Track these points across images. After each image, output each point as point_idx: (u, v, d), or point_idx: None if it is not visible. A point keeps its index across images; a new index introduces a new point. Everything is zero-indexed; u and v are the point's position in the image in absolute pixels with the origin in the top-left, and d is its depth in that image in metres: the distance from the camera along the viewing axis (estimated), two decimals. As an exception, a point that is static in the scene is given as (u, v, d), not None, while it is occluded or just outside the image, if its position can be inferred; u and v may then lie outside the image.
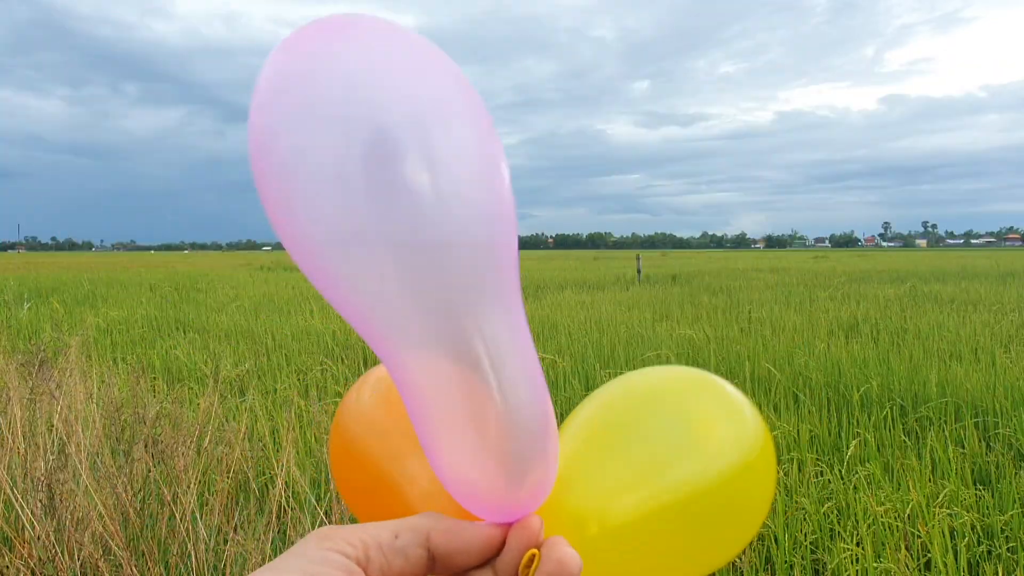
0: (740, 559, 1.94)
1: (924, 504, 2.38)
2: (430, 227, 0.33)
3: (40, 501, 1.91)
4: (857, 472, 2.76)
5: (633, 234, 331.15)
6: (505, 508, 0.37)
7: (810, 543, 2.25)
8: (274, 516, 1.98)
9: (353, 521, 0.50)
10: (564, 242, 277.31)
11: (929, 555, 2.17)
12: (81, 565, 1.83)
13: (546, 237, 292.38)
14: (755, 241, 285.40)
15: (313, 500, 2.13)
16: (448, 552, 0.35)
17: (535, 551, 0.36)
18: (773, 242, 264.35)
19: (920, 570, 2.14)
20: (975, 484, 2.74)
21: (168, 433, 2.48)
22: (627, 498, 0.41)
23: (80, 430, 2.32)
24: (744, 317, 7.30)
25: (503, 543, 0.37)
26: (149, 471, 2.19)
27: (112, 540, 1.85)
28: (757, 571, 1.92)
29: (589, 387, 4.24)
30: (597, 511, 0.41)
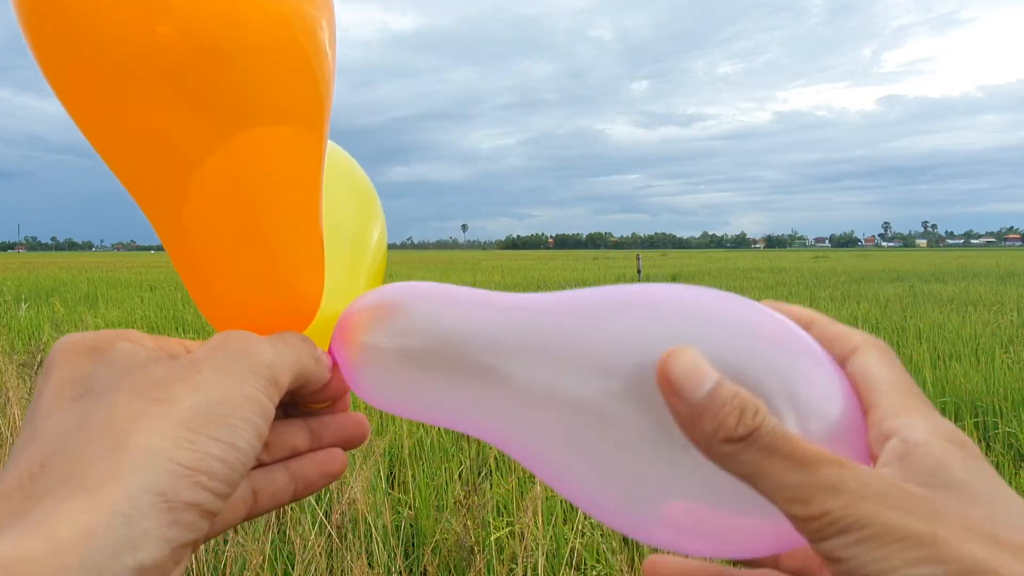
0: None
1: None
2: None
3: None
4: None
5: (633, 234, 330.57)
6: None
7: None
8: (274, 516, 1.98)
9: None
10: (564, 242, 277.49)
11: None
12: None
13: (546, 237, 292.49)
14: (755, 241, 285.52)
15: (313, 500, 2.13)
16: (303, 392, 0.34)
17: (330, 402, 0.37)
18: (773, 242, 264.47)
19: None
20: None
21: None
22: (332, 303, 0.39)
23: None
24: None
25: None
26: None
27: (112, 540, 1.85)
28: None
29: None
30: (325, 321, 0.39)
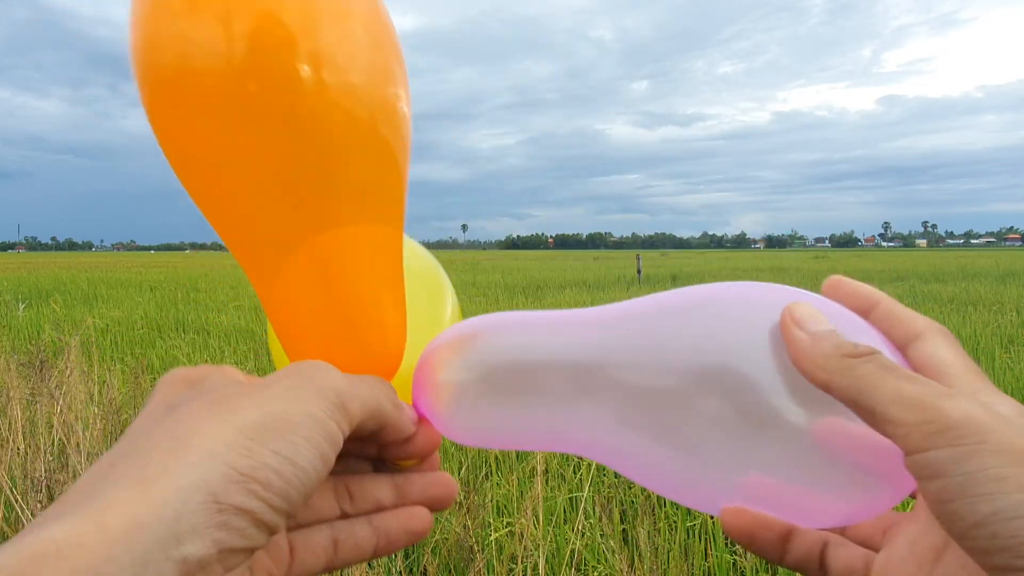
0: (741, 558, 1.95)
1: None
2: None
3: (40, 501, 1.90)
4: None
5: (633, 234, 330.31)
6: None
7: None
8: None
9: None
10: (564, 242, 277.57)
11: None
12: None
13: (546, 237, 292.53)
14: (755, 241, 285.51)
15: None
16: (380, 437, 0.34)
17: (417, 460, 0.37)
18: (773, 242, 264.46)
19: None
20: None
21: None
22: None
23: (80, 430, 2.32)
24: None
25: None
26: (149, 471, 2.19)
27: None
28: (757, 571, 1.92)
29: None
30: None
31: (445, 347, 0.36)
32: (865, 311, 0.31)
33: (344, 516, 0.35)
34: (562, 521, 2.11)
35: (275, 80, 0.30)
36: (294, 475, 0.26)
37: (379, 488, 0.36)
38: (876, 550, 0.32)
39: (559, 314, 0.36)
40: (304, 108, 0.31)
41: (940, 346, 0.28)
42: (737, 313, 0.31)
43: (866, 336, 0.29)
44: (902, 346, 0.29)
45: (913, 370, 0.28)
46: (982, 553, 0.21)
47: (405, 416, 0.34)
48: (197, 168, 0.33)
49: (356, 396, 0.30)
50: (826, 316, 0.29)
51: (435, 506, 0.37)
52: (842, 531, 0.33)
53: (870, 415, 0.25)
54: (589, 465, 2.44)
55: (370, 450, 0.36)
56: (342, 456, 0.35)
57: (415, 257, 0.50)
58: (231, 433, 0.25)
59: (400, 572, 1.91)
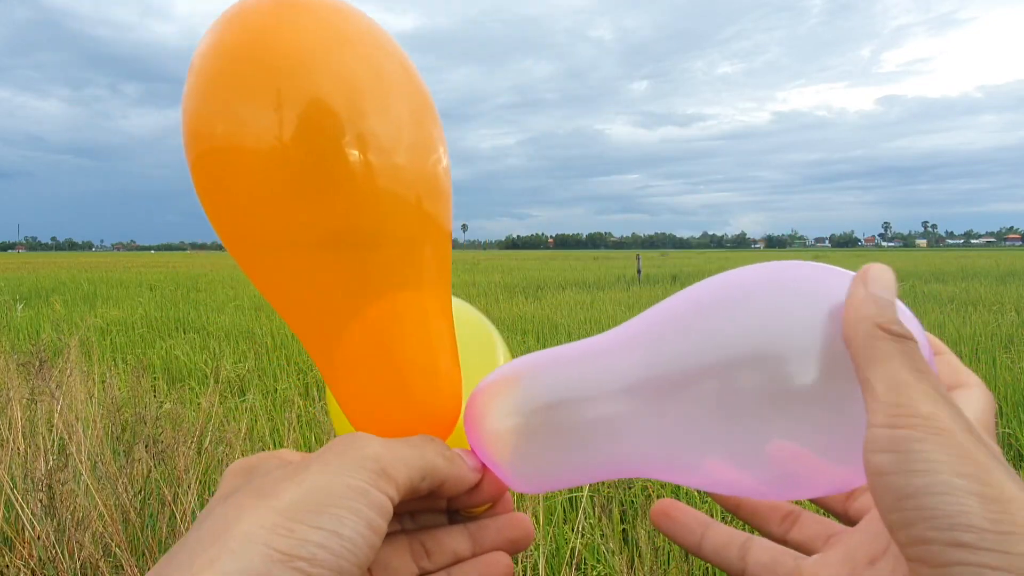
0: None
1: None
2: None
3: (40, 501, 1.91)
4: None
5: (633, 234, 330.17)
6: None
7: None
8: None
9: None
10: (564, 242, 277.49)
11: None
12: (81, 565, 1.83)
13: (546, 237, 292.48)
14: (755, 241, 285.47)
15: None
16: (443, 492, 0.34)
17: (489, 505, 0.37)
18: (773, 242, 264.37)
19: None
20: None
21: (168, 433, 2.48)
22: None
23: (80, 430, 2.32)
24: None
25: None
26: (149, 471, 2.20)
27: (112, 540, 1.86)
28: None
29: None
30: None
31: (489, 392, 0.36)
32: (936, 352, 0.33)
33: (424, 573, 0.35)
34: (562, 521, 2.11)
35: (323, 161, 0.31)
36: (341, 546, 0.26)
37: (454, 539, 0.36)
38: (811, 554, 0.34)
39: (594, 341, 0.35)
40: (351, 190, 0.32)
41: (971, 399, 0.31)
42: (775, 304, 0.31)
43: (919, 336, 0.30)
44: (948, 390, 0.31)
45: None
46: (903, 526, 0.23)
47: (462, 467, 0.34)
48: (246, 244, 0.34)
49: (399, 460, 0.30)
50: (896, 291, 0.30)
51: (513, 548, 0.37)
52: (784, 533, 0.36)
53: (864, 382, 0.27)
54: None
55: (440, 504, 0.36)
56: (415, 514, 0.36)
57: (462, 312, 0.52)
58: (271, 516, 0.26)
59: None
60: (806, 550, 0.35)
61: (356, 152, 0.31)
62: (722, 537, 0.36)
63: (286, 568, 0.24)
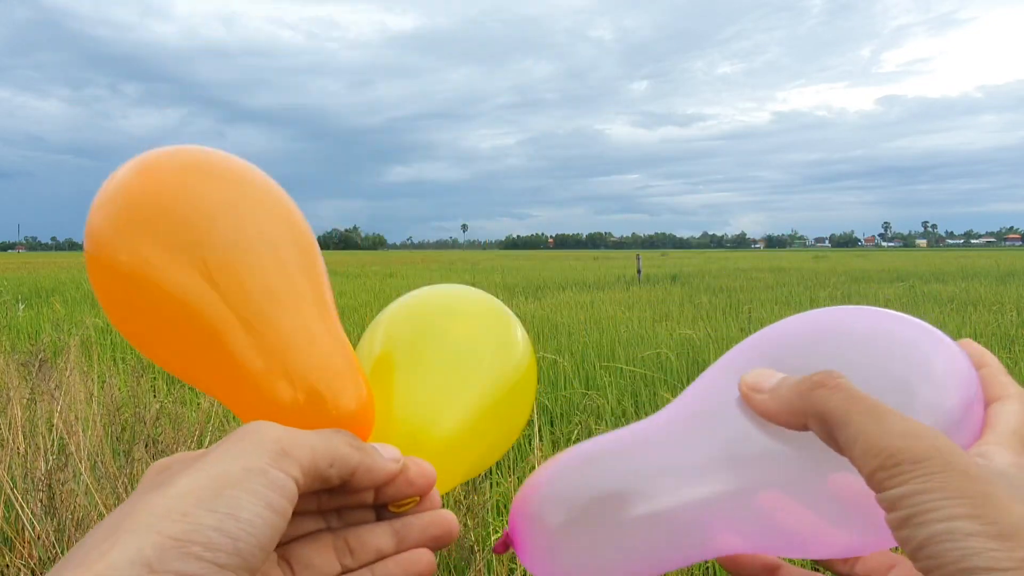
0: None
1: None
2: None
3: (40, 501, 1.91)
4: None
5: (633, 234, 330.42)
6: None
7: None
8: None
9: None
10: (564, 242, 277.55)
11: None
12: (81, 565, 1.83)
13: (546, 237, 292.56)
14: (755, 241, 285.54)
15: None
16: (357, 483, 0.34)
17: (418, 498, 0.37)
18: (773, 242, 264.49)
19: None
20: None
21: (168, 433, 2.48)
22: (442, 422, 0.46)
23: (80, 430, 2.32)
24: (744, 317, 7.30)
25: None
26: (149, 471, 2.19)
27: (112, 540, 1.85)
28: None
29: (589, 386, 4.23)
30: (421, 434, 0.46)
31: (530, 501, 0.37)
32: (978, 366, 0.34)
33: (346, 571, 0.35)
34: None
35: (193, 289, 0.39)
36: (239, 528, 0.26)
37: (378, 537, 0.36)
38: None
39: (611, 438, 0.37)
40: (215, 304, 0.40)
41: (1009, 410, 0.31)
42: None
43: (938, 367, 0.31)
44: (989, 403, 0.32)
45: (982, 423, 0.31)
46: (925, 572, 0.24)
47: (373, 456, 0.34)
48: (128, 324, 0.42)
49: (302, 443, 0.30)
50: (773, 371, 0.32)
51: (436, 545, 0.37)
52: (850, 569, 0.37)
53: (838, 447, 0.27)
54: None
55: (366, 499, 0.36)
56: (342, 512, 0.36)
57: (475, 297, 0.56)
58: (165, 503, 0.26)
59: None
60: None
61: (217, 282, 0.39)
62: None
63: (179, 553, 0.24)
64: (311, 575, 0.33)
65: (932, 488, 0.24)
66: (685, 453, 0.34)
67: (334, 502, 0.36)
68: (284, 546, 0.34)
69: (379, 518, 0.37)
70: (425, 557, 0.36)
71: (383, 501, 0.36)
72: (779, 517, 0.32)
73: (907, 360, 0.31)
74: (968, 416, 0.30)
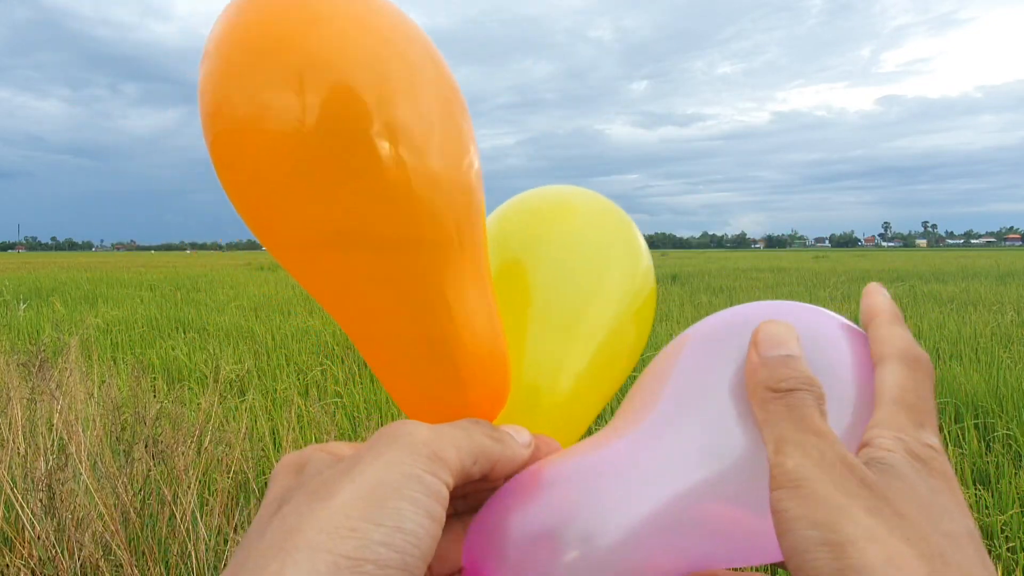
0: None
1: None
2: None
3: (40, 501, 1.91)
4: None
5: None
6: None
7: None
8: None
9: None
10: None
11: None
12: (81, 565, 1.83)
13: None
14: (755, 241, 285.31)
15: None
16: (496, 475, 0.33)
17: None
18: (773, 242, 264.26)
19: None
20: (974, 484, 2.74)
21: (168, 433, 2.48)
22: (565, 373, 0.43)
23: (80, 430, 2.32)
24: (744, 317, 7.29)
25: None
26: (149, 471, 2.20)
27: (112, 540, 1.85)
28: (757, 572, 1.92)
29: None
30: (546, 388, 0.43)
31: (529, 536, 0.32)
32: (866, 324, 0.32)
33: None
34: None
35: (347, 151, 0.30)
36: (405, 541, 0.25)
37: None
38: None
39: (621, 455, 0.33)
40: (379, 184, 0.30)
41: (888, 374, 0.30)
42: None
43: (833, 358, 0.30)
44: (875, 365, 0.31)
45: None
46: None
47: (513, 446, 0.33)
48: (271, 234, 0.33)
49: (450, 443, 0.30)
50: (791, 339, 0.30)
51: None
52: None
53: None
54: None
55: (494, 484, 0.35)
56: (468, 497, 0.35)
57: (591, 203, 0.49)
58: (332, 519, 0.25)
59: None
60: None
61: (386, 144, 0.30)
62: None
63: (353, 573, 0.24)
64: (447, 567, 0.33)
65: (798, 495, 0.25)
66: (634, 479, 0.31)
67: (463, 488, 0.35)
68: None
69: None
70: None
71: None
72: (723, 526, 0.30)
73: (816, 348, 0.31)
74: (861, 386, 0.30)
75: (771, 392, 0.28)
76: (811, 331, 0.31)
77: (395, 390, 0.37)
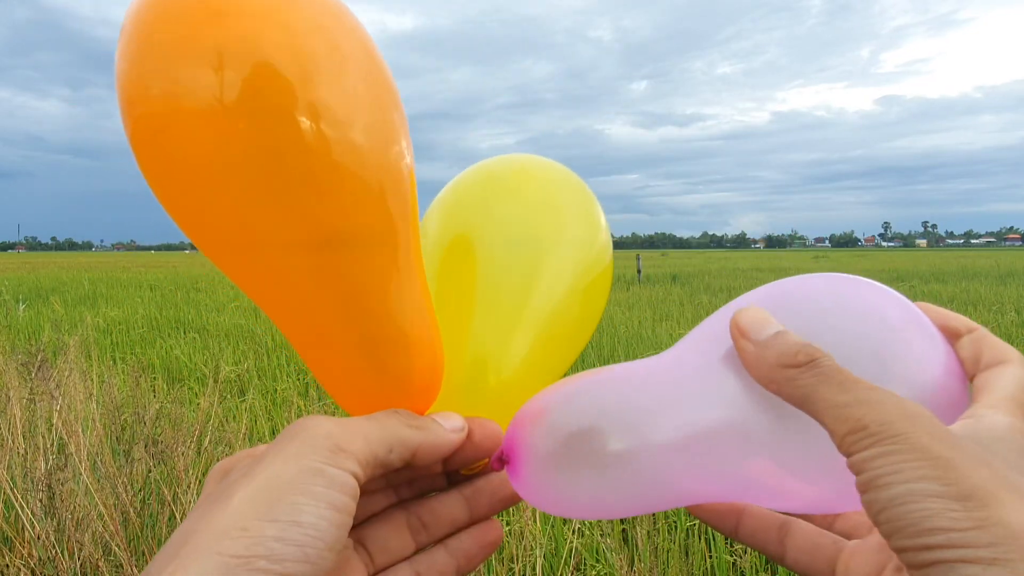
0: (740, 558, 1.95)
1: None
2: None
3: (40, 501, 1.91)
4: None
5: (633, 234, 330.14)
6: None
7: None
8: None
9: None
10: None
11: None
12: (81, 565, 1.83)
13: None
14: (755, 241, 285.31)
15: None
16: (420, 461, 0.33)
17: (487, 459, 0.36)
18: (773, 242, 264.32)
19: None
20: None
21: (168, 433, 2.48)
22: (511, 350, 0.42)
23: (80, 430, 2.32)
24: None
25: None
26: (149, 471, 2.20)
27: (112, 540, 1.85)
28: (757, 571, 1.92)
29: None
30: (492, 362, 0.42)
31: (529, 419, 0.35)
32: (956, 336, 0.33)
33: (420, 549, 0.35)
34: (561, 520, 2.11)
35: (270, 122, 0.28)
36: (303, 534, 0.25)
37: (450, 507, 0.36)
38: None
39: (610, 372, 0.36)
40: (305, 159, 0.29)
41: (1007, 374, 0.30)
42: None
43: (819, 323, 0.31)
44: (985, 367, 0.31)
45: (975, 390, 0.30)
46: (887, 536, 0.24)
47: (437, 432, 0.33)
48: (194, 219, 0.32)
49: (356, 434, 0.30)
50: (771, 315, 0.31)
51: (510, 503, 0.37)
52: (831, 520, 0.36)
53: (817, 421, 0.27)
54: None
55: (435, 469, 0.36)
56: (413, 481, 0.36)
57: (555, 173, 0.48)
58: (224, 520, 0.25)
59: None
60: (850, 535, 0.35)
61: (307, 120, 0.29)
62: (759, 520, 0.36)
63: (245, 571, 0.24)
64: (388, 557, 0.34)
65: (894, 451, 0.24)
66: (674, 398, 0.33)
67: (403, 476, 0.35)
68: (358, 529, 0.34)
69: (451, 482, 0.37)
70: (494, 526, 0.36)
71: (452, 468, 0.36)
72: (756, 473, 0.32)
73: (884, 336, 0.31)
74: (945, 389, 0.31)
75: (792, 368, 0.28)
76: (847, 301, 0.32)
77: (326, 383, 0.37)
